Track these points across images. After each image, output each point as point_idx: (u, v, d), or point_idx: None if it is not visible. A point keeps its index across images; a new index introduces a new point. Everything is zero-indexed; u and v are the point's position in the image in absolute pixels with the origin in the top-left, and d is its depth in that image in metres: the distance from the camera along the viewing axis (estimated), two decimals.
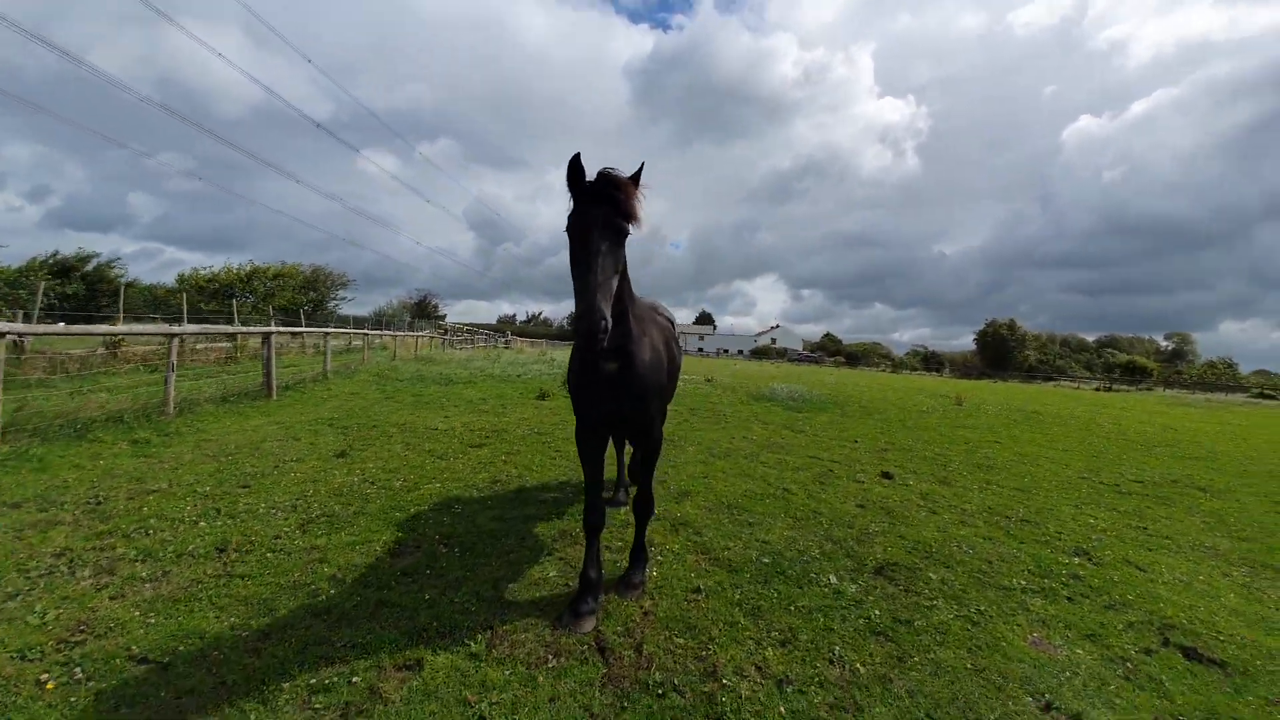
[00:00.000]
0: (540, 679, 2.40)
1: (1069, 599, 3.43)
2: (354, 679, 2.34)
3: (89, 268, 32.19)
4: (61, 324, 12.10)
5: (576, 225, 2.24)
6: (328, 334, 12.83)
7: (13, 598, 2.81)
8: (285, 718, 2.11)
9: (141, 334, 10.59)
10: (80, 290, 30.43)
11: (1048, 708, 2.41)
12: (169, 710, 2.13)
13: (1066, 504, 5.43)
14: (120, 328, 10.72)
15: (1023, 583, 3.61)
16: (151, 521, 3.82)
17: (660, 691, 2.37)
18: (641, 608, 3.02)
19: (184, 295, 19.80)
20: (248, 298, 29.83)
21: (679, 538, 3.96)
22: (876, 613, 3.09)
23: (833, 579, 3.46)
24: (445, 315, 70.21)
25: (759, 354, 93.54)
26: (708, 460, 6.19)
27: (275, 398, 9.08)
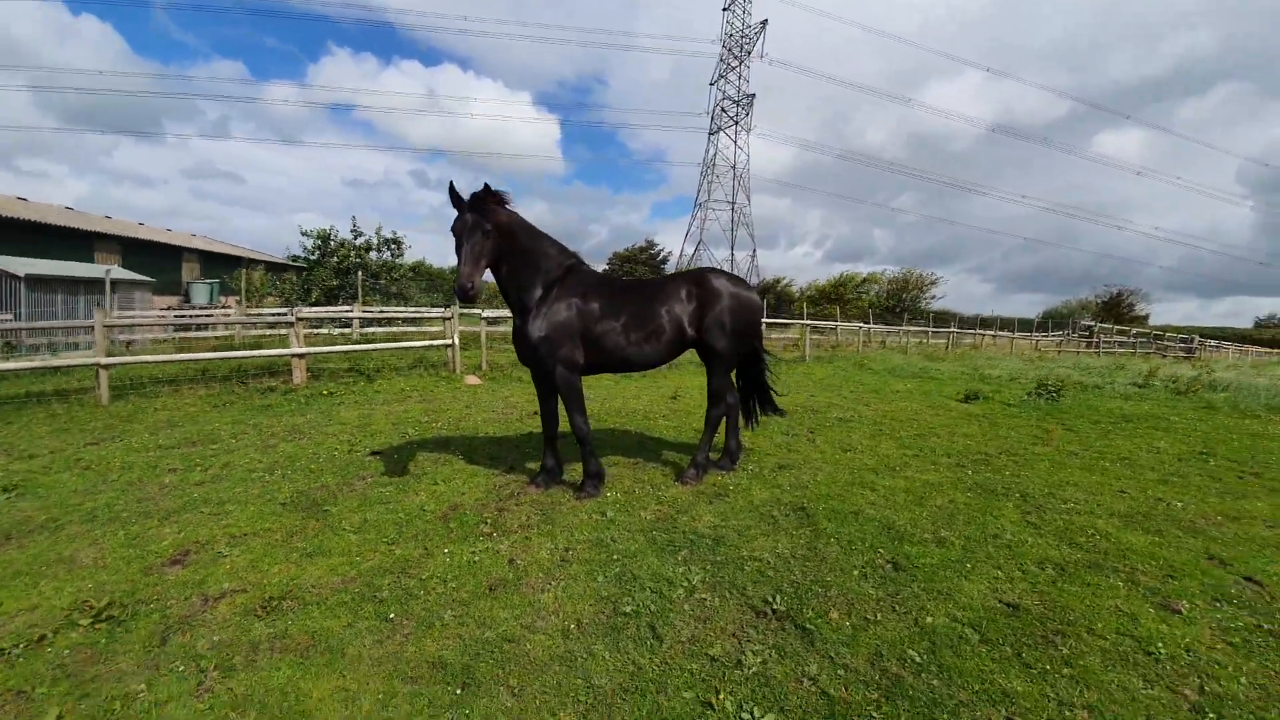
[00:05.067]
0: (479, 485, 4.12)
1: None
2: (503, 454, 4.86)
3: (778, 288, 47.82)
4: None
5: (454, 226, 3.71)
6: (836, 327, 14.94)
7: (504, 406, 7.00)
8: (483, 457, 4.88)
9: None
10: (773, 301, 46.22)
11: None
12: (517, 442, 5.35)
13: None
14: None
15: None
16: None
17: (475, 524, 3.60)
18: (563, 501, 3.93)
19: (804, 303, 26.81)
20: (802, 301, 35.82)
21: (696, 505, 4.03)
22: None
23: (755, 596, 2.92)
24: (1147, 316, 55.87)
25: None
26: (1009, 513, 4.40)
27: None
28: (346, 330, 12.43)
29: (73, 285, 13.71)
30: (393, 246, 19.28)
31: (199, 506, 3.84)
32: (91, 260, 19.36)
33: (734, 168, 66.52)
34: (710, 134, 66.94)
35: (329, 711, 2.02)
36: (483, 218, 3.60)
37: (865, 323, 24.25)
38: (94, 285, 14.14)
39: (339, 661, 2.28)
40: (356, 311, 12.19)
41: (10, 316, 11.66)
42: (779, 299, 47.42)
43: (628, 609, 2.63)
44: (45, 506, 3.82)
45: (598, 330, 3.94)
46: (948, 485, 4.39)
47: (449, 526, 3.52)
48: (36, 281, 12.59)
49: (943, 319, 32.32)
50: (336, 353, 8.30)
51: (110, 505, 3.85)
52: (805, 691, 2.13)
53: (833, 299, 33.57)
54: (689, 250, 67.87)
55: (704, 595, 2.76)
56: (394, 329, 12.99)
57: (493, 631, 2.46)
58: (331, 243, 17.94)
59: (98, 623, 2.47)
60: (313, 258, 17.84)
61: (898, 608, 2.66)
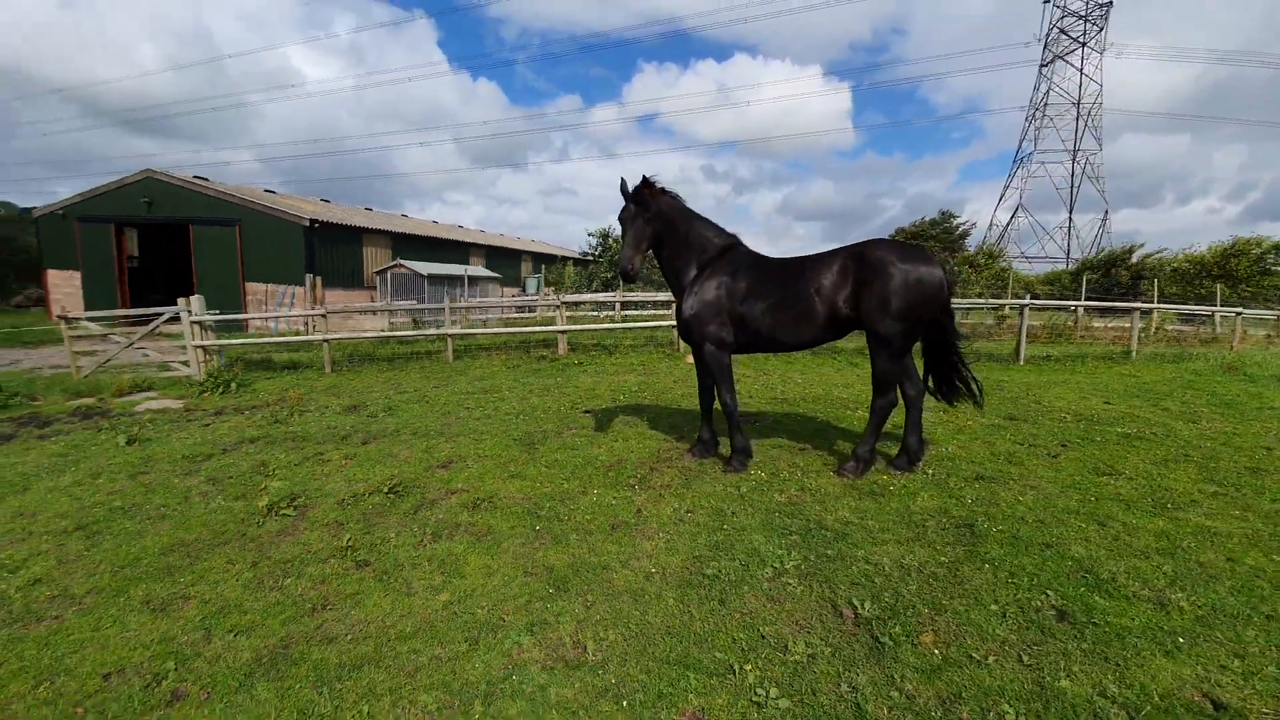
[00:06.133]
0: (647, 446, 4.71)
1: None
2: (610, 416, 5.54)
3: (1133, 259, 34.89)
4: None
5: (620, 215, 4.20)
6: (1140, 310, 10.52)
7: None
8: (664, 425, 5.69)
9: None
10: (1125, 278, 34.00)
11: None
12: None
13: None
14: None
15: None
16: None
17: (627, 477, 4.18)
18: (710, 471, 4.18)
19: (1155, 280, 19.42)
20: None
21: (848, 493, 3.79)
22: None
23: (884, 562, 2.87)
24: None
25: None
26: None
27: (1020, 362, 9.89)
28: (613, 313, 14.81)
29: (452, 281, 19.99)
30: None
31: (470, 434, 5.43)
32: (468, 263, 27.40)
33: (1078, 104, 51.76)
34: (1042, 65, 53.20)
35: (474, 576, 2.84)
36: (641, 206, 4.08)
37: (1273, 307, 16.15)
38: (464, 281, 20.26)
39: (495, 549, 3.13)
40: (617, 296, 14.36)
41: (415, 302, 17.68)
42: (1135, 275, 35.01)
43: (709, 571, 2.81)
44: (398, 422, 5.99)
45: (743, 309, 4.01)
46: (1241, 539, 3.00)
47: (608, 475, 4.18)
48: (433, 278, 18.85)
49: None
50: (588, 330, 10.13)
51: (428, 426, 5.78)
52: (838, 695, 2.01)
53: (1218, 274, 22.95)
54: (1003, 218, 55.64)
55: (790, 580, 2.72)
56: (644, 312, 14.83)
57: (596, 559, 2.98)
58: (609, 240, 21.38)
59: (389, 494, 3.91)
60: (596, 253, 21.59)
61: (1025, 658, 2.15)
